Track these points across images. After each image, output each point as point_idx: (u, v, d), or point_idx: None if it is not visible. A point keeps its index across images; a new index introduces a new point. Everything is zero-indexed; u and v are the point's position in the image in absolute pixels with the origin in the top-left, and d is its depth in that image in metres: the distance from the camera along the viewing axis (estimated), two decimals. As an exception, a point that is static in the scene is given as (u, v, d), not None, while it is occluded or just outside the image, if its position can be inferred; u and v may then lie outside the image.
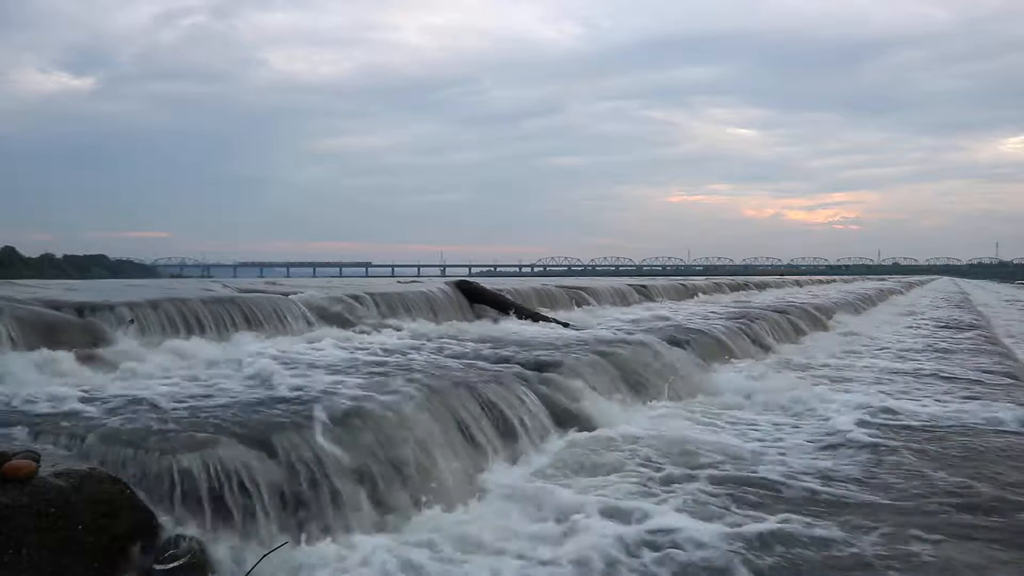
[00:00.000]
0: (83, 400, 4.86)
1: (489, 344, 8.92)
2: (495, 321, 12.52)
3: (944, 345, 14.06)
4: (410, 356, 7.66)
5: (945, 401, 8.05)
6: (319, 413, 4.68)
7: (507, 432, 5.75)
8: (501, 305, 13.21)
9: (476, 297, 13.27)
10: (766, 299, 22.86)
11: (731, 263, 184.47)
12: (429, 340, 9.25)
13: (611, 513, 4.38)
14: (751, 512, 4.48)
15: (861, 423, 6.78)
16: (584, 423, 6.38)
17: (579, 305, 16.64)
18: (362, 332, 9.76)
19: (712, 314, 15.21)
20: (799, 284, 40.83)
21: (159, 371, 6.15)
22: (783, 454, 5.83)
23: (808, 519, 4.36)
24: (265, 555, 3.48)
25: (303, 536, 3.81)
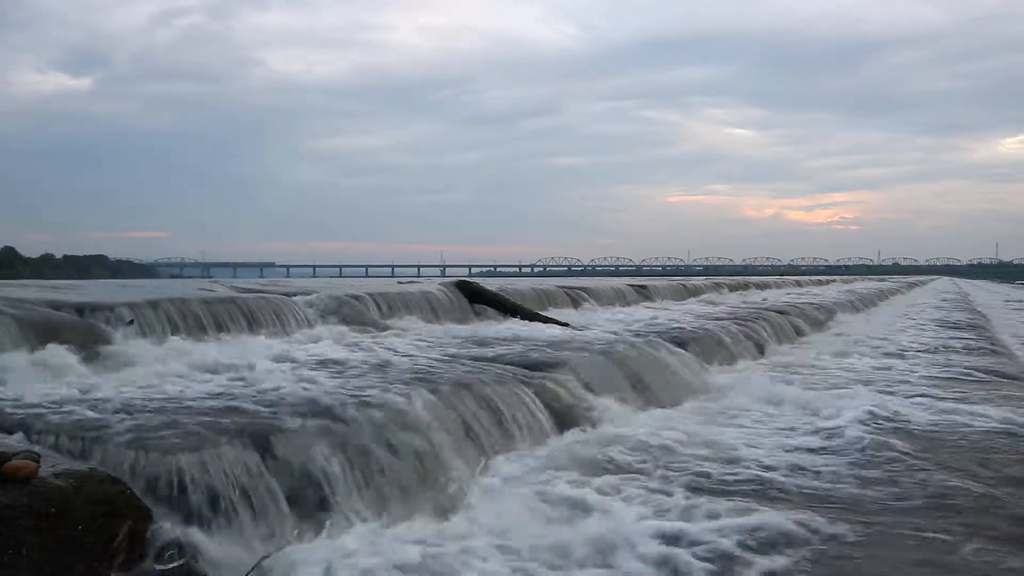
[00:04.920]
0: (83, 400, 4.86)
1: (489, 344, 8.92)
2: (495, 321, 12.52)
3: (944, 345, 14.07)
4: (410, 356, 7.66)
5: (944, 401, 8.05)
6: (318, 412, 4.68)
7: (507, 431, 5.75)
8: (501, 305, 13.21)
9: (476, 297, 13.28)
10: (766, 299, 22.86)
11: (731, 263, 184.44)
12: (429, 340, 9.25)
13: (606, 511, 4.39)
14: (749, 511, 4.48)
15: (860, 423, 6.79)
16: (583, 423, 6.38)
17: (579, 305, 16.64)
18: (362, 332, 9.76)
19: (712, 315, 15.21)
20: (799, 284, 40.80)
21: (159, 371, 6.14)
22: (781, 454, 5.83)
23: (804, 518, 4.36)
24: (264, 556, 3.48)
25: (303, 535, 3.81)
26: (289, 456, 4.14)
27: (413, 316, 11.64)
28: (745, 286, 31.70)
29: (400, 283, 15.71)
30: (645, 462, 5.47)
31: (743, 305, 18.96)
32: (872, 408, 7.45)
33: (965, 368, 10.83)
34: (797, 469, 5.46)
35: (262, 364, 6.51)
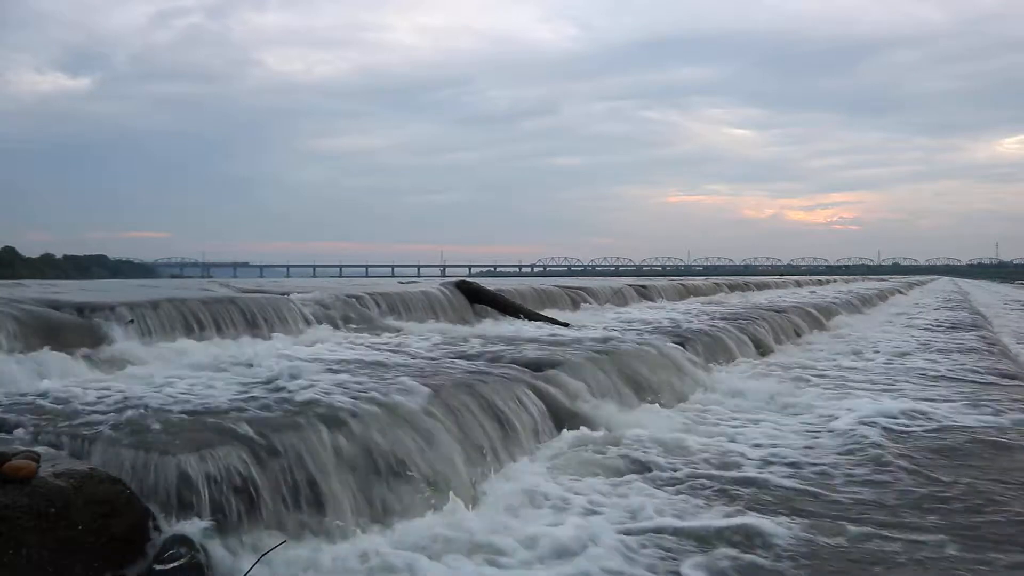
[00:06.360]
0: (83, 400, 4.85)
1: (489, 344, 8.92)
2: (495, 321, 12.52)
3: (944, 345, 14.06)
4: (410, 355, 7.66)
5: (944, 402, 8.05)
6: (319, 412, 4.68)
7: (507, 432, 5.75)
8: (501, 305, 13.21)
9: (476, 297, 13.27)
10: (766, 299, 22.85)
11: (731, 263, 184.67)
12: (429, 340, 9.24)
13: (605, 513, 4.39)
14: (749, 513, 4.48)
15: (860, 424, 6.78)
16: (584, 423, 6.37)
17: (579, 305, 16.63)
18: (362, 332, 9.76)
19: (711, 314, 15.20)
20: (799, 284, 40.80)
21: (159, 371, 6.15)
22: (781, 455, 5.83)
23: (803, 520, 4.37)
24: (263, 554, 3.48)
25: (303, 536, 3.81)
26: (290, 456, 4.14)
27: (413, 316, 11.64)
28: (745, 286, 31.70)
29: (400, 283, 15.72)
30: (643, 461, 5.46)
31: (743, 305, 18.95)
32: (870, 408, 7.44)
33: (965, 368, 10.83)
34: (794, 469, 5.46)
35: (262, 364, 6.51)
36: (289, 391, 5.30)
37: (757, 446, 6.06)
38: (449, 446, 5.03)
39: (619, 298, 19.14)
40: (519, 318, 12.63)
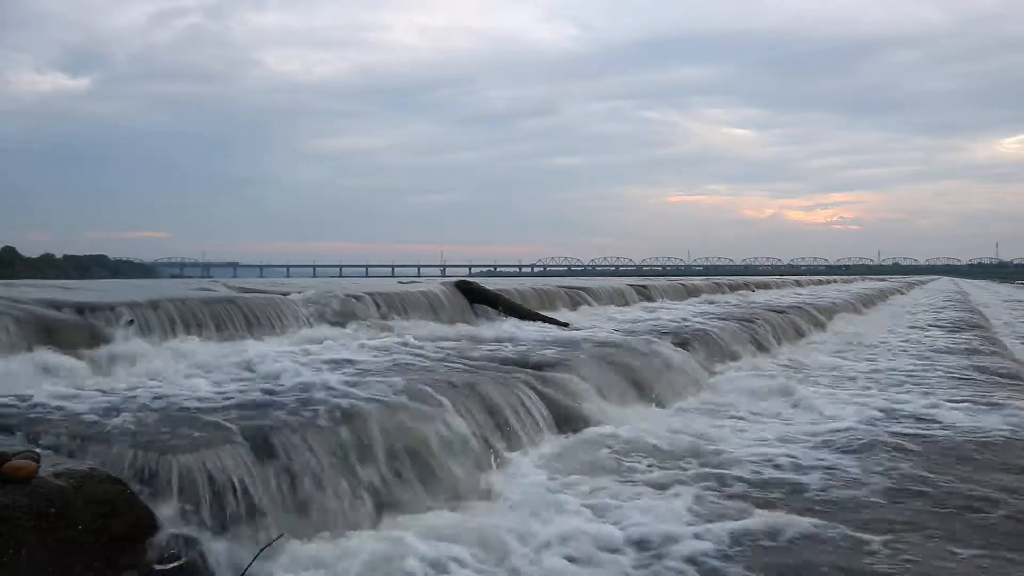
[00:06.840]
0: (83, 400, 4.85)
1: (489, 344, 8.92)
2: (495, 321, 12.51)
3: (944, 345, 14.06)
4: (410, 356, 7.66)
5: (944, 401, 8.04)
6: (319, 411, 4.68)
7: (507, 432, 5.74)
8: (501, 305, 13.19)
9: (476, 297, 13.26)
10: (766, 299, 22.85)
11: (731, 263, 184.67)
12: (429, 340, 9.24)
13: (605, 513, 4.38)
14: (749, 512, 4.48)
15: (860, 424, 6.79)
16: (584, 423, 6.37)
17: (579, 305, 16.61)
18: (362, 332, 9.75)
19: (712, 314, 15.20)
20: (799, 284, 40.78)
21: (159, 371, 6.14)
22: (782, 454, 5.82)
23: (804, 519, 4.36)
24: (262, 549, 3.48)
25: (303, 535, 3.80)
26: (290, 455, 4.14)
27: (413, 316, 11.62)
28: (745, 286, 31.67)
29: (400, 283, 15.70)
30: (643, 461, 5.46)
31: (743, 305, 18.95)
32: (870, 408, 7.45)
33: (965, 368, 10.82)
34: (794, 468, 5.46)
35: (262, 364, 6.51)
36: (289, 390, 5.30)
37: (756, 445, 6.05)
38: (448, 446, 5.03)
39: (619, 298, 19.13)
40: (519, 318, 12.62)
